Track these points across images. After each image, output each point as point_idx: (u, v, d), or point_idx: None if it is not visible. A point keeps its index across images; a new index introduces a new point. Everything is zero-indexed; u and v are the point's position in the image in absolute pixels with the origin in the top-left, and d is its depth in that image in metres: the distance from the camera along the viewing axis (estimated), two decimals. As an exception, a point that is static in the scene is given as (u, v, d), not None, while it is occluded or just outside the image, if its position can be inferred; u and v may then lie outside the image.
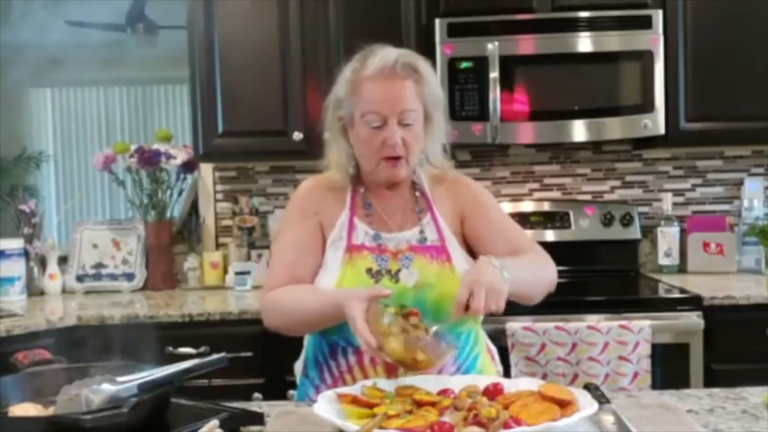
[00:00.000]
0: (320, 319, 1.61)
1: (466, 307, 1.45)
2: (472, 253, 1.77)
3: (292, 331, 1.74)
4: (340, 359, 1.67)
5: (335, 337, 1.67)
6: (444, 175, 1.81)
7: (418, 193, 1.78)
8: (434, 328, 1.46)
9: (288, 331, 1.74)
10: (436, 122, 1.73)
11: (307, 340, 1.81)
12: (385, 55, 1.66)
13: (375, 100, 1.65)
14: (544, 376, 2.44)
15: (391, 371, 1.59)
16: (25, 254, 3.08)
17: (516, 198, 3.34)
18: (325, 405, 1.33)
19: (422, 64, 1.69)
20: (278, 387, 2.60)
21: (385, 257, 1.69)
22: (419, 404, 1.34)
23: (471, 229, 1.76)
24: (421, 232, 1.73)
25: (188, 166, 3.24)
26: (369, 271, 1.68)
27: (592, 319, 2.55)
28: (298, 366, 1.84)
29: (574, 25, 2.92)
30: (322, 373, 1.70)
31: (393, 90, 1.65)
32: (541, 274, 1.70)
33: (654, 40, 2.91)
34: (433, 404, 1.33)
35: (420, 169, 1.78)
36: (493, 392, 1.39)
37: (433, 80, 1.72)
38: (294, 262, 1.73)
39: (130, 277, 3.22)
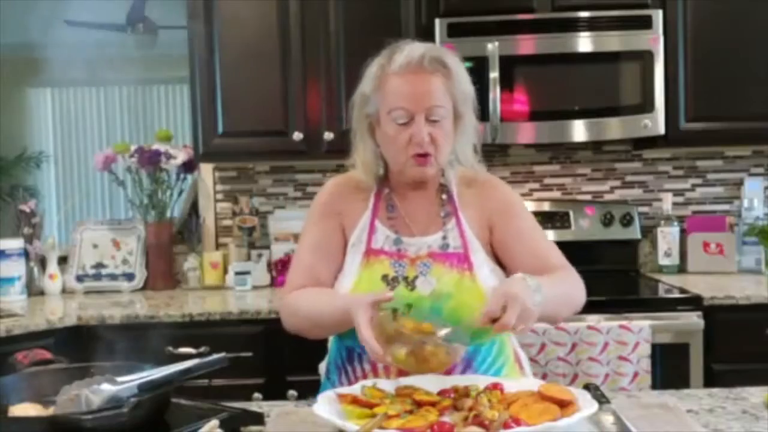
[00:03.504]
0: (334, 324, 1.57)
1: (494, 320, 1.38)
2: (500, 263, 1.70)
3: (310, 334, 1.69)
4: (356, 365, 1.64)
5: (351, 342, 1.61)
6: (475, 178, 1.73)
7: (444, 196, 1.71)
8: (444, 331, 1.43)
9: (306, 335, 1.69)
10: (466, 120, 1.67)
11: (330, 343, 1.77)
12: (411, 49, 1.62)
13: (401, 96, 1.60)
14: (544, 376, 2.43)
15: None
16: (25, 254, 3.08)
17: (516, 198, 3.34)
18: (325, 405, 1.33)
19: (451, 58, 1.64)
20: (278, 387, 2.60)
21: (403, 263, 1.64)
22: (419, 404, 1.33)
23: (498, 239, 1.69)
24: (444, 237, 1.66)
25: (188, 166, 3.24)
26: (385, 277, 1.63)
27: (592, 319, 2.54)
28: (322, 367, 1.80)
29: (574, 25, 2.92)
30: (341, 377, 1.68)
31: (420, 85, 1.59)
32: (571, 297, 1.62)
33: (654, 40, 2.91)
34: (433, 404, 1.33)
35: (450, 170, 1.71)
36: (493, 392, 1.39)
37: (463, 76, 1.66)
38: (313, 264, 1.71)
39: (130, 277, 3.22)
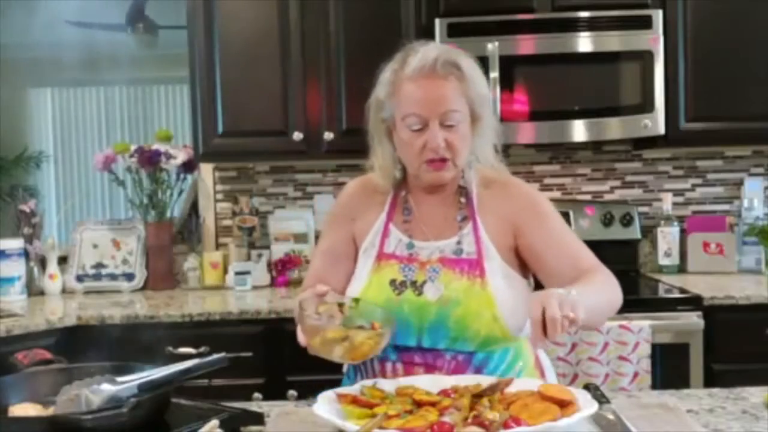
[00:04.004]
0: None
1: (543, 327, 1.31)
2: (523, 265, 1.65)
3: None
4: (368, 365, 1.64)
5: None
6: (495, 178, 1.69)
7: (463, 199, 1.68)
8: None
9: None
10: (484, 122, 1.63)
11: None
12: (425, 53, 1.59)
13: (414, 102, 1.57)
14: (544, 376, 2.43)
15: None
16: (25, 254, 3.08)
17: (516, 198, 3.34)
18: (325, 405, 1.33)
19: (465, 60, 1.61)
20: (278, 387, 2.60)
21: (413, 267, 1.62)
22: (419, 404, 1.33)
23: (526, 242, 1.63)
24: (459, 242, 1.63)
25: (188, 166, 3.24)
26: (393, 282, 1.62)
27: (592, 319, 2.54)
28: (345, 366, 1.79)
29: (574, 25, 2.92)
30: (357, 375, 1.68)
31: (434, 90, 1.57)
32: (609, 300, 1.55)
33: (654, 40, 2.91)
34: (433, 404, 1.33)
35: (469, 171, 1.67)
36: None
37: (478, 77, 1.62)
38: (323, 269, 1.72)
39: (130, 277, 3.22)
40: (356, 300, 1.53)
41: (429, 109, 1.57)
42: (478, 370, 1.58)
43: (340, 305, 1.49)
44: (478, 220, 1.65)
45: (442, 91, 1.57)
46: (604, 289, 1.55)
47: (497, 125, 1.68)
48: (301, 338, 1.43)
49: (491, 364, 1.60)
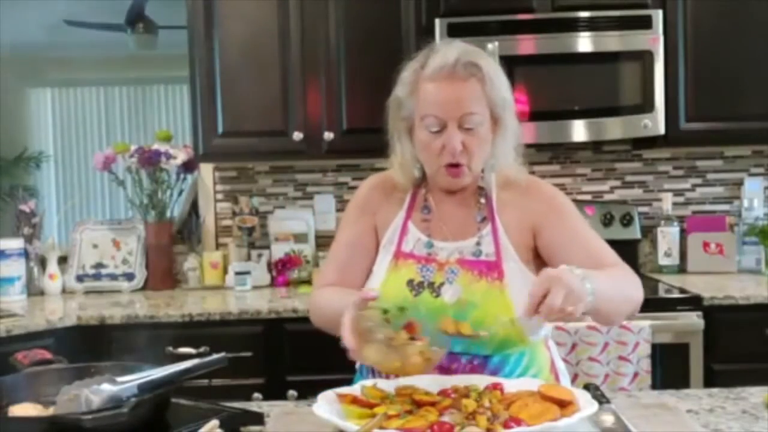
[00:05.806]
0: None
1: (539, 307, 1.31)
2: (542, 266, 1.61)
3: (330, 331, 1.65)
4: None
5: None
6: (515, 180, 1.67)
7: (482, 200, 1.66)
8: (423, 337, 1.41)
9: (328, 331, 1.66)
10: (505, 125, 1.61)
11: None
12: (445, 53, 1.57)
13: (433, 103, 1.55)
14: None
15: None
16: (25, 254, 3.08)
17: (516, 198, 3.34)
18: (325, 405, 1.33)
19: (486, 62, 1.58)
20: (278, 387, 2.60)
21: (431, 268, 1.61)
22: (419, 404, 1.33)
23: (547, 241, 1.62)
24: (478, 243, 1.62)
25: (188, 166, 3.24)
26: (410, 282, 1.60)
27: (592, 319, 2.54)
28: (358, 363, 1.77)
29: (574, 25, 2.92)
30: (369, 374, 1.66)
31: (453, 92, 1.55)
32: (625, 293, 1.55)
33: (654, 40, 2.91)
34: (433, 404, 1.33)
35: (489, 173, 1.65)
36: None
37: (499, 79, 1.59)
38: (345, 262, 1.71)
39: (130, 277, 3.22)
40: (402, 309, 1.48)
41: (448, 111, 1.55)
42: (494, 374, 1.57)
43: (385, 312, 1.45)
44: (497, 221, 1.63)
45: (461, 93, 1.55)
46: (621, 282, 1.55)
47: (518, 128, 1.65)
48: (351, 344, 1.38)
49: (507, 368, 1.59)
